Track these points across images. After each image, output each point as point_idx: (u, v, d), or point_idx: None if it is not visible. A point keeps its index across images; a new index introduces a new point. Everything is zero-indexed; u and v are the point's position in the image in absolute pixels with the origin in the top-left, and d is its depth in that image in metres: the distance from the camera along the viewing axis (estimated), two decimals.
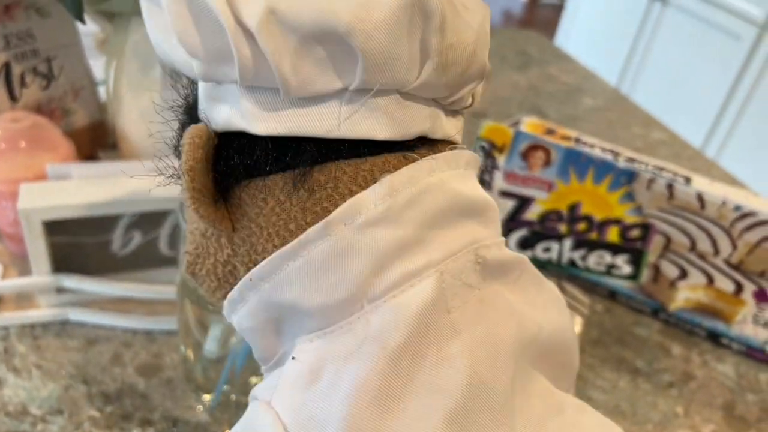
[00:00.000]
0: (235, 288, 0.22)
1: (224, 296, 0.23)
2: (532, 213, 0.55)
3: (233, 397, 0.39)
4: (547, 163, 0.52)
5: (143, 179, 0.44)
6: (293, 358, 0.21)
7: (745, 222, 0.47)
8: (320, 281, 0.20)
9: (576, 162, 0.51)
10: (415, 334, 0.19)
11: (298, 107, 0.20)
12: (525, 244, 0.56)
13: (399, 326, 0.19)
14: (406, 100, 0.20)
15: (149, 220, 0.44)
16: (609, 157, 0.50)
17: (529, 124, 0.53)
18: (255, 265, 0.21)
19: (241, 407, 0.40)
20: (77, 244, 0.44)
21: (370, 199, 0.20)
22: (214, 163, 0.21)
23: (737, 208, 0.47)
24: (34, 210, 0.41)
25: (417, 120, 0.21)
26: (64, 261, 0.44)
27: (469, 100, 0.23)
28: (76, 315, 0.45)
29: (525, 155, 0.52)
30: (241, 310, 0.22)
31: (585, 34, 2.60)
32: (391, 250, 0.20)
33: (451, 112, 0.23)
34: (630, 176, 0.49)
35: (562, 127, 0.54)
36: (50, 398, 0.40)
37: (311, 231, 0.20)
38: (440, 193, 0.21)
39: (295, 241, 0.20)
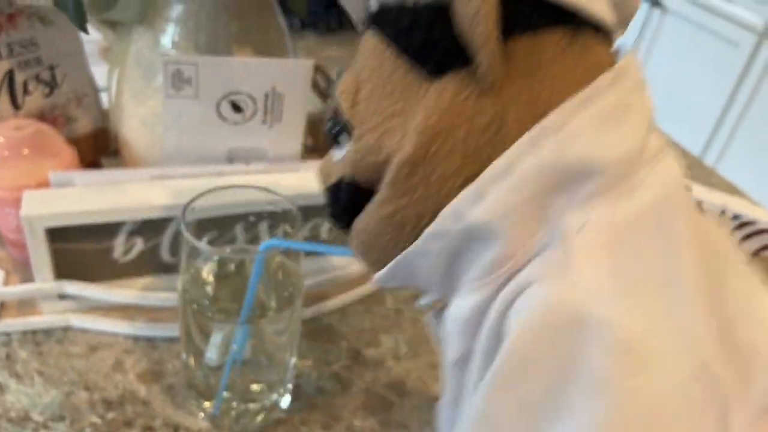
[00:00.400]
0: (503, 156, 0.20)
1: (465, 181, 0.21)
2: None
3: (234, 404, 0.39)
4: None
5: (145, 186, 0.44)
6: (579, 229, 0.19)
7: (744, 231, 0.47)
8: (609, 133, 0.20)
9: None
10: (685, 192, 0.21)
11: None
12: None
13: (677, 184, 0.21)
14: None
15: (151, 227, 0.45)
16: None
17: None
18: (536, 117, 0.20)
19: (241, 415, 0.40)
20: (79, 251, 0.44)
21: (631, 69, 0.21)
22: None
23: (736, 216, 0.47)
24: (37, 217, 0.41)
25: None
26: (66, 268, 0.44)
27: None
28: (78, 321, 0.45)
29: None
30: (498, 188, 0.20)
31: None
32: (651, 119, 0.22)
33: None
34: None
35: None
36: (52, 404, 0.40)
37: (601, 79, 0.20)
38: None
39: (587, 89, 0.20)
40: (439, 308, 0.24)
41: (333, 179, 0.26)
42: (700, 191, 0.49)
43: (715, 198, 0.49)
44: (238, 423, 0.40)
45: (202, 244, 0.32)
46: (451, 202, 0.21)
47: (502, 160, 0.20)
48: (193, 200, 0.34)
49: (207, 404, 0.40)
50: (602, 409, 0.17)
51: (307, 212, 0.46)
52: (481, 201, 0.20)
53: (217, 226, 0.42)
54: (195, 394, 0.40)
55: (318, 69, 0.62)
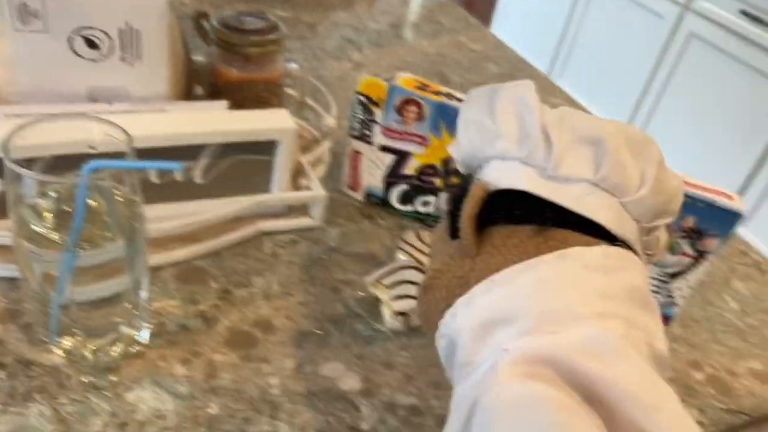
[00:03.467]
0: (469, 292, 0.29)
1: (446, 303, 0.30)
2: (410, 167, 0.56)
3: (81, 335, 0.39)
4: (420, 117, 0.53)
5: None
6: (506, 350, 0.26)
7: None
8: (545, 292, 0.27)
9: (446, 116, 0.52)
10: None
11: (554, 182, 0.29)
12: (406, 199, 0.58)
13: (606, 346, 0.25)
14: (623, 209, 0.30)
15: None
16: None
17: (404, 80, 0.54)
18: (491, 273, 0.29)
19: (99, 349, 0.40)
20: None
21: (590, 256, 0.28)
22: (482, 210, 0.30)
23: None
24: None
25: (626, 226, 0.30)
26: None
27: (656, 244, 0.33)
28: None
29: (399, 110, 0.54)
30: (464, 312, 0.29)
31: (522, 7, 2.63)
32: (603, 294, 0.27)
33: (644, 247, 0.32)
34: None
35: (437, 83, 0.56)
36: None
37: (548, 255, 0.28)
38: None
39: (533, 260, 0.28)
40: None
41: None
42: None
43: None
44: (96, 357, 0.40)
45: (26, 171, 0.32)
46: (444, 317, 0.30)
47: (465, 297, 0.29)
48: (20, 128, 0.33)
49: (61, 339, 0.40)
50: None
51: (175, 153, 0.47)
52: (454, 320, 0.29)
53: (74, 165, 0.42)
54: (46, 331, 0.40)
55: (203, 16, 0.61)
